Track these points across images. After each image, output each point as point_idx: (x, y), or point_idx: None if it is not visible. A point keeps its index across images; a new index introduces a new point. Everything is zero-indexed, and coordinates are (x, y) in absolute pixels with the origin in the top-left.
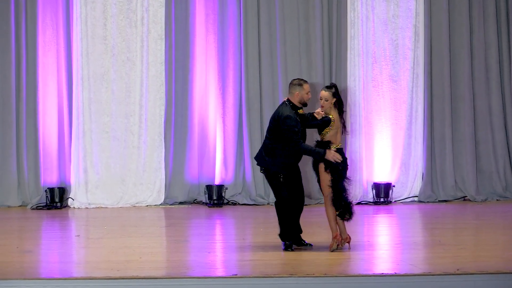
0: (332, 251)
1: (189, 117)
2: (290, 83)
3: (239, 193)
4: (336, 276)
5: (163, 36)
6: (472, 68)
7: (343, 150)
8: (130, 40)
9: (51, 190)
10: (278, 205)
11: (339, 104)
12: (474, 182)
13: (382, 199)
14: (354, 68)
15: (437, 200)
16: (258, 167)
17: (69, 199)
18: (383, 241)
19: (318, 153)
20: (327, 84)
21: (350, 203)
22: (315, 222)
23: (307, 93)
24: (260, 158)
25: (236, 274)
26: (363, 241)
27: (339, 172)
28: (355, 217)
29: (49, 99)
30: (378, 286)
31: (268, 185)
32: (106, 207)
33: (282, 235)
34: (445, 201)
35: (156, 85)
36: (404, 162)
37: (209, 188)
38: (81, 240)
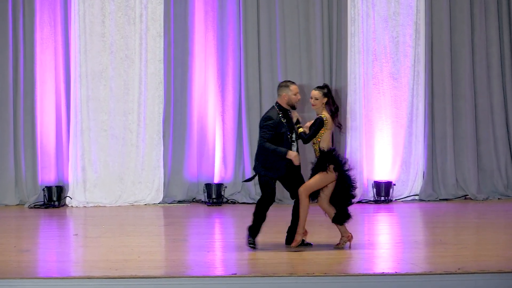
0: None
1: (188, 115)
2: (278, 86)
3: (238, 192)
4: (336, 276)
5: (162, 34)
6: (473, 65)
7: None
8: (129, 37)
9: (49, 188)
10: (259, 201)
11: (332, 105)
12: (475, 180)
13: (382, 198)
14: (355, 66)
15: (438, 199)
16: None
17: (67, 197)
18: (383, 240)
19: (280, 153)
20: (327, 82)
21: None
22: (317, 221)
23: (294, 95)
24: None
25: (235, 273)
26: (364, 240)
27: (343, 168)
28: (356, 216)
29: (47, 97)
30: (379, 285)
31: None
32: (105, 206)
33: (251, 230)
34: (446, 199)
35: (155, 83)
36: (405, 160)
37: (208, 186)
38: (79, 239)
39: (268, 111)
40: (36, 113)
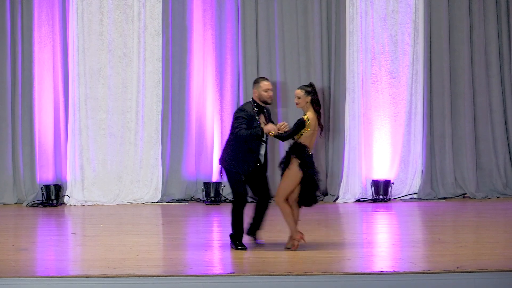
0: (293, 250)
1: (186, 114)
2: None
3: None
4: (335, 274)
5: (160, 32)
6: (472, 64)
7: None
8: (127, 36)
9: (47, 187)
10: (233, 207)
11: (316, 105)
12: (474, 179)
13: (381, 197)
14: (353, 64)
15: (436, 198)
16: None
17: (65, 196)
18: (382, 239)
19: (256, 133)
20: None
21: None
22: (315, 220)
23: (265, 91)
24: (221, 157)
25: (234, 272)
26: (362, 239)
27: (310, 169)
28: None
29: (45, 96)
30: (377, 284)
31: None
32: (103, 205)
33: (234, 238)
34: (445, 198)
35: (153, 81)
36: (404, 159)
37: (206, 185)
38: (77, 238)
39: (243, 104)
40: (34, 112)
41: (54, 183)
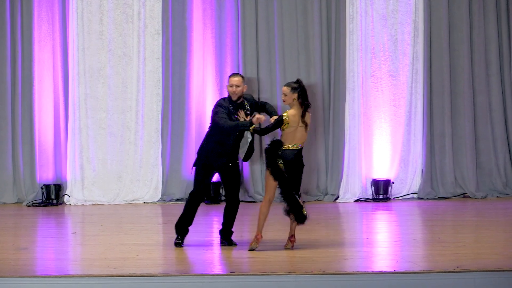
0: (250, 250)
1: (186, 113)
2: None
3: None
4: (335, 274)
5: (160, 31)
6: (472, 63)
7: (302, 150)
8: (127, 35)
9: (47, 186)
10: (190, 193)
11: (304, 101)
12: (474, 178)
13: (381, 196)
14: (353, 64)
15: (436, 197)
16: (256, 165)
17: (65, 196)
18: (382, 238)
19: (244, 125)
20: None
21: (301, 206)
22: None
23: (230, 86)
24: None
25: (234, 272)
26: (362, 238)
27: (283, 178)
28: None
29: (45, 95)
30: (377, 283)
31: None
32: (103, 204)
33: (177, 228)
34: (445, 198)
35: (153, 81)
36: (404, 158)
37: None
38: (77, 237)
39: (219, 100)
40: (34, 111)
41: (54, 183)
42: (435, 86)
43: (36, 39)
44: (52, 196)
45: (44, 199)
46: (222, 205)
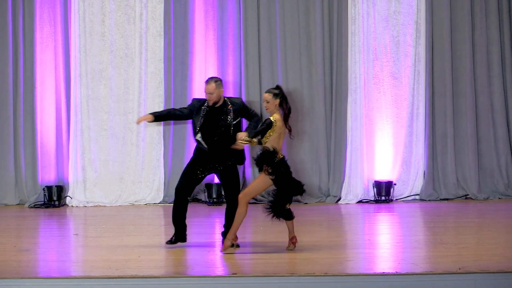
0: (224, 252)
1: None
2: None
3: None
4: (337, 275)
5: (162, 33)
6: (474, 64)
7: (285, 158)
8: (129, 36)
9: (49, 188)
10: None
11: (285, 106)
12: (476, 180)
13: (383, 198)
14: (355, 65)
15: (438, 199)
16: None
17: (67, 197)
18: (384, 240)
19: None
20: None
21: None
22: (317, 221)
23: (205, 92)
24: None
25: (236, 273)
26: (364, 240)
27: (283, 173)
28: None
29: (47, 96)
30: (379, 285)
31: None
32: (105, 206)
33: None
34: (447, 199)
35: (155, 82)
36: (406, 160)
37: (208, 186)
38: (79, 239)
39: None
40: (36, 113)
41: (56, 184)
42: (437, 88)
43: (38, 40)
44: (54, 197)
45: (46, 200)
46: (224, 207)
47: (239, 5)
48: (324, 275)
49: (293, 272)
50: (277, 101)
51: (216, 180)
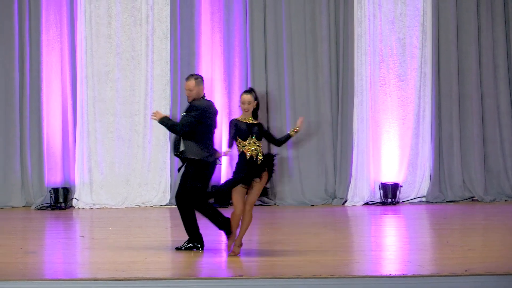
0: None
1: None
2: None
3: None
4: (343, 277)
5: (168, 35)
6: (480, 66)
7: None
8: (135, 38)
9: (55, 190)
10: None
11: (257, 109)
12: (482, 182)
13: (389, 200)
14: (361, 67)
15: (445, 201)
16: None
17: (74, 199)
18: (390, 242)
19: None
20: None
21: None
22: (321, 223)
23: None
24: None
25: (242, 275)
26: (370, 242)
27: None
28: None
29: (53, 98)
30: (385, 287)
31: (273, 185)
32: (111, 208)
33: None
34: (453, 201)
35: (161, 84)
36: (412, 162)
37: (214, 188)
38: (86, 241)
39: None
40: (42, 115)
41: (62, 186)
42: (443, 90)
43: (44, 42)
44: (61, 199)
45: (52, 202)
46: (230, 209)
47: (245, 7)
48: (330, 277)
49: (299, 274)
50: (255, 103)
51: (222, 182)
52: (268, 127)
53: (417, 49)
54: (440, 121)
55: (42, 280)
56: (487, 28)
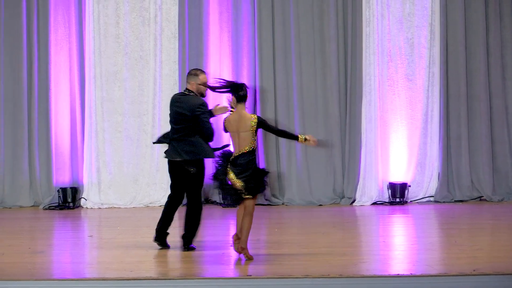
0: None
1: None
2: (187, 73)
3: None
4: (351, 277)
5: (177, 35)
6: (488, 66)
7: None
8: (143, 38)
9: (64, 190)
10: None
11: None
12: (491, 181)
13: (397, 199)
14: (370, 67)
15: (453, 200)
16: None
17: (82, 199)
18: (398, 242)
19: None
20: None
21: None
22: (330, 223)
23: (203, 84)
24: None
25: (251, 275)
26: (379, 242)
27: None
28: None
29: (61, 98)
30: (394, 287)
31: (281, 185)
32: (119, 207)
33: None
34: (461, 201)
35: (170, 84)
36: (420, 161)
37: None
38: (94, 241)
39: (193, 97)
40: (50, 115)
41: (71, 186)
42: (451, 90)
43: (52, 42)
44: (69, 199)
45: (60, 202)
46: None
47: (253, 7)
48: (338, 277)
49: (307, 274)
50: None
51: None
52: (276, 125)
53: (425, 49)
54: (448, 121)
55: (50, 280)
56: (495, 28)
